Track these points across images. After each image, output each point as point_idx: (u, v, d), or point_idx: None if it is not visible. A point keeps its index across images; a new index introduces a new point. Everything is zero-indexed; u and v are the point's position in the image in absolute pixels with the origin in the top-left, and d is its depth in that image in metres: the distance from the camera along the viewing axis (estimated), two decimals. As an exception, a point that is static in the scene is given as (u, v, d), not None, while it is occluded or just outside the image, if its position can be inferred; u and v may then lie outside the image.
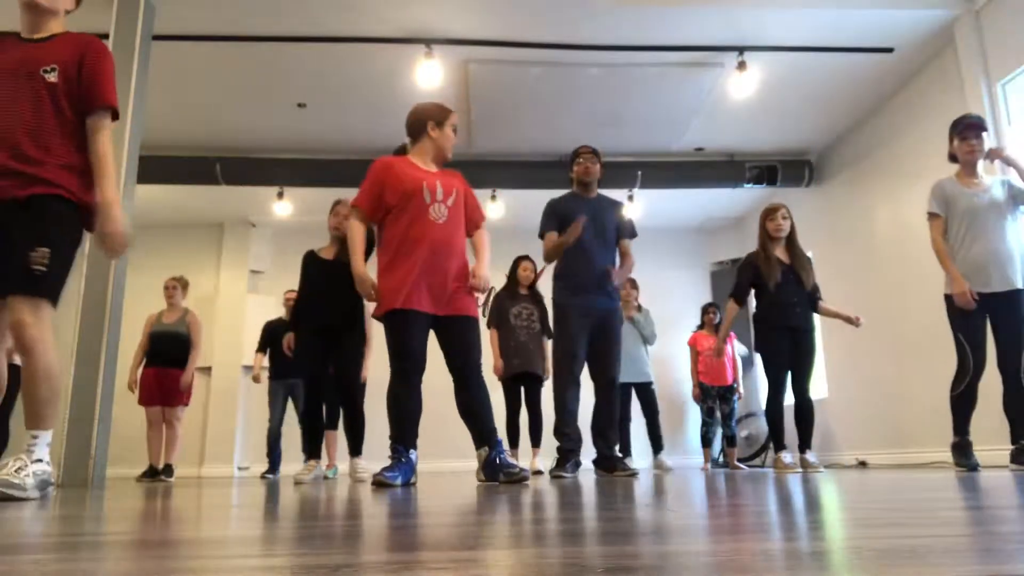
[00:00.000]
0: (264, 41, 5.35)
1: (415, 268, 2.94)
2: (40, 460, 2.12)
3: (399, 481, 2.81)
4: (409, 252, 2.97)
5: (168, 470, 5.62)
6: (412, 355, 2.93)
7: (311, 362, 4.01)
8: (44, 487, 2.12)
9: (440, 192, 3.07)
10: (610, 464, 3.80)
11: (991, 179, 3.84)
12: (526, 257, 5.60)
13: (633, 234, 4.16)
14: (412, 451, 2.95)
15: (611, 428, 3.86)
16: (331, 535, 0.98)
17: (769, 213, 4.51)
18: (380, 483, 2.74)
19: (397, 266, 2.97)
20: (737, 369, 6.43)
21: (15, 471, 2.04)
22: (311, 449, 3.98)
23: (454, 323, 3.01)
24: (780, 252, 4.47)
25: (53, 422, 2.21)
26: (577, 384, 3.86)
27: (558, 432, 3.85)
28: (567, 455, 3.82)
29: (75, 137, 2.29)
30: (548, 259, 4.03)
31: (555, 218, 4.02)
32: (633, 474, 3.79)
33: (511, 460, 3.00)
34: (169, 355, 5.71)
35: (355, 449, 4.10)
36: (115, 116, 2.37)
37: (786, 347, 4.34)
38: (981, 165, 3.86)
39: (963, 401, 3.65)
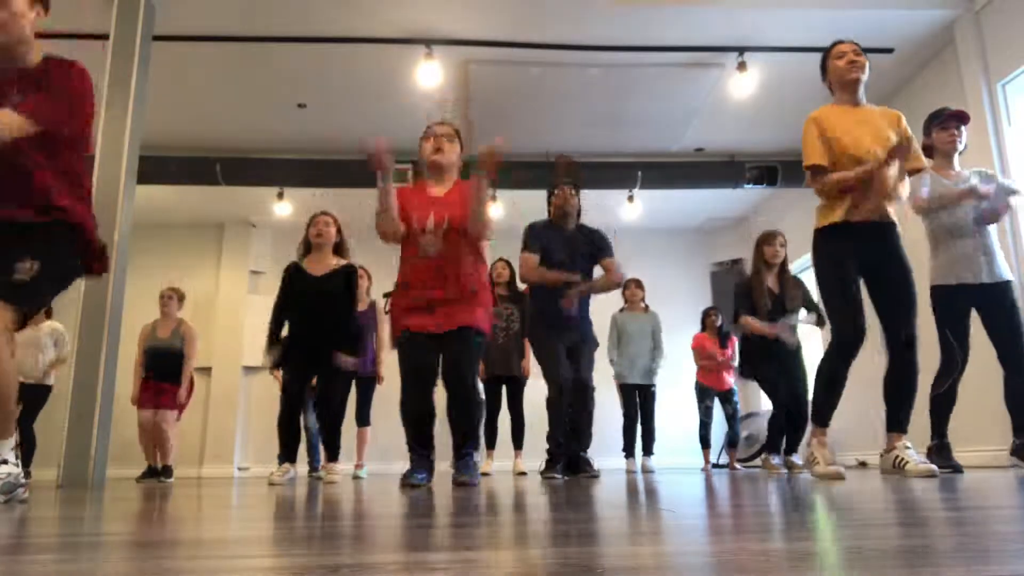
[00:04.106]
0: (264, 41, 5.35)
1: (412, 294, 3.01)
2: (6, 461, 2.02)
3: (425, 480, 2.92)
4: (408, 277, 3.05)
5: (167, 471, 5.61)
6: (409, 372, 2.98)
7: (293, 375, 4.06)
8: (11, 489, 1.99)
9: (431, 223, 3.01)
10: (576, 465, 3.93)
11: (968, 171, 3.77)
12: (500, 259, 5.56)
13: (609, 253, 4.05)
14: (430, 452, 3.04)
15: (584, 431, 3.99)
16: (331, 535, 0.98)
17: (767, 239, 4.64)
18: (408, 484, 2.83)
19: (401, 288, 3.08)
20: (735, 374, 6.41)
21: None
22: (286, 454, 4.06)
23: (445, 338, 3.00)
24: (771, 279, 4.63)
25: (11, 430, 2.07)
26: (567, 393, 3.94)
27: (552, 439, 3.95)
28: (556, 457, 3.93)
29: (71, 172, 2.18)
30: (530, 280, 4.06)
31: (538, 243, 4.01)
32: (595, 476, 3.87)
33: (466, 471, 2.99)
34: (163, 370, 5.64)
35: (332, 456, 4.23)
36: (74, 144, 2.18)
37: (773, 371, 4.55)
38: (957, 158, 3.81)
39: (945, 400, 3.62)
